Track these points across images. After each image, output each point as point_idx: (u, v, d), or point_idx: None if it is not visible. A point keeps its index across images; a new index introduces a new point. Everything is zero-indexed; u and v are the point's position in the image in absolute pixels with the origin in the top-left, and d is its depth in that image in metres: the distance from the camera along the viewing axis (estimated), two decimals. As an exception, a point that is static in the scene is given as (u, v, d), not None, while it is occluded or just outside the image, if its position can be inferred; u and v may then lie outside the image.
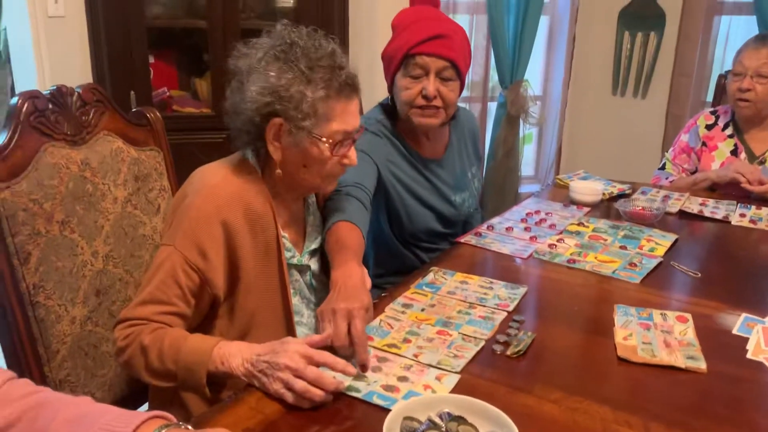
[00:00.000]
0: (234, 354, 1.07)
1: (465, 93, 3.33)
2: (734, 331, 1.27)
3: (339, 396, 1.02)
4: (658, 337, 1.22)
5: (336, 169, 1.28)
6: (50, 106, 1.31)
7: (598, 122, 3.42)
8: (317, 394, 0.98)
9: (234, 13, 2.69)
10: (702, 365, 1.13)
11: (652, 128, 3.07)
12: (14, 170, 1.22)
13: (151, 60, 2.74)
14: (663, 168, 2.44)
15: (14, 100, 1.28)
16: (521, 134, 3.34)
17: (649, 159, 3.00)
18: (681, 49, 3.14)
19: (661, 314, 1.31)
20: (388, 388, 1.04)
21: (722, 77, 2.63)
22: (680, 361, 1.14)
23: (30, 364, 1.25)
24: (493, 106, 3.36)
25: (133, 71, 2.64)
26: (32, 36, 2.45)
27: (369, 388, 1.04)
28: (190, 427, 0.83)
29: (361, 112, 1.36)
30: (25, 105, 1.26)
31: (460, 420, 0.89)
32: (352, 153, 1.28)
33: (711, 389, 1.08)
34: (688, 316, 1.31)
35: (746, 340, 1.23)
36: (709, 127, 2.35)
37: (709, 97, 2.94)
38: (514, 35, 3.17)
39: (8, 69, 2.80)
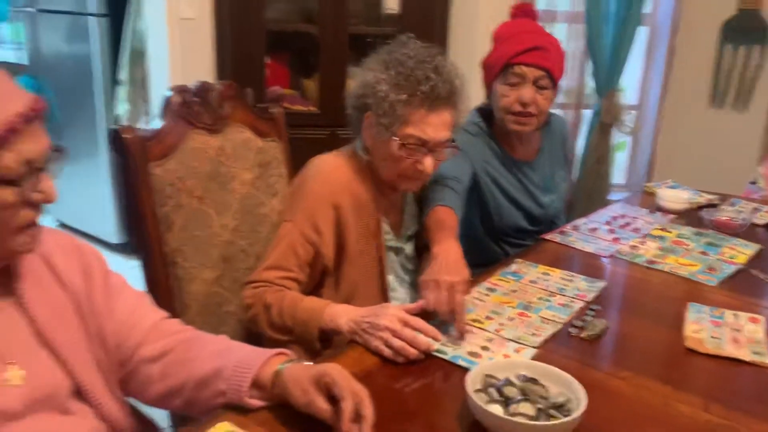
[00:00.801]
0: (341, 314, 1.25)
1: (560, 99, 3.42)
2: (805, 335, 1.33)
3: (428, 357, 1.18)
4: (728, 333, 1.31)
5: (410, 171, 1.41)
6: (195, 98, 1.54)
7: (694, 133, 3.41)
8: (411, 352, 1.15)
9: (343, 19, 2.91)
10: (766, 359, 1.21)
11: (749, 142, 3.04)
12: (165, 151, 1.46)
13: (267, 60, 3.00)
14: (754, 183, 2.45)
15: (168, 92, 1.52)
16: (614, 142, 3.39)
17: (744, 173, 2.97)
18: (785, 62, 3.10)
19: (734, 314, 1.39)
20: (472, 354, 1.19)
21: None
22: (746, 355, 1.22)
23: (168, 316, 1.49)
24: (587, 114, 3.43)
25: (251, 70, 2.92)
26: (168, 35, 2.77)
27: (455, 352, 1.19)
28: (309, 363, 1.02)
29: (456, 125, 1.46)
30: (176, 97, 1.50)
31: (534, 381, 1.03)
32: (428, 161, 1.39)
33: (773, 382, 1.17)
34: (761, 318, 1.38)
35: (816, 343, 1.29)
36: None
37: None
38: (611, 44, 3.23)
39: (142, 64, 3.13)
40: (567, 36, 3.31)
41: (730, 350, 1.24)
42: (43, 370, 0.97)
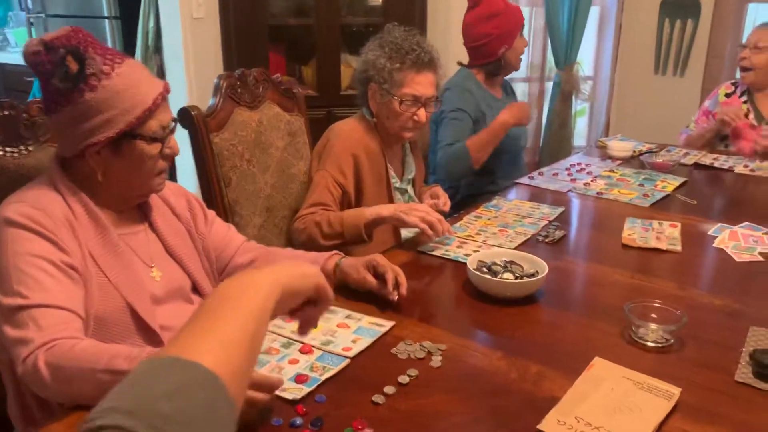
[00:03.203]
0: (379, 208, 1.71)
1: (525, 73, 3.89)
2: (709, 233, 1.81)
3: (436, 258, 1.63)
4: (653, 234, 1.78)
5: (409, 123, 1.88)
6: (237, 82, 1.96)
7: (641, 97, 3.91)
8: (446, 227, 1.64)
9: (335, 12, 3.32)
10: (678, 247, 1.69)
11: (688, 102, 3.53)
12: (220, 124, 1.88)
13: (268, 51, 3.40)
14: (687, 127, 2.94)
15: (216, 80, 1.94)
16: (574, 109, 3.87)
17: (682, 127, 3.48)
18: (714, 33, 3.60)
19: (659, 223, 1.86)
20: (467, 255, 1.65)
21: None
22: (664, 245, 1.70)
23: (230, 252, 1.92)
24: (549, 85, 3.91)
25: (255, 61, 3.29)
26: (182, 33, 3.16)
27: (456, 254, 1.65)
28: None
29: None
30: (224, 82, 1.92)
31: (512, 263, 1.49)
32: (422, 113, 1.87)
33: (682, 261, 1.64)
34: (678, 224, 1.85)
35: (715, 237, 1.77)
36: (728, 95, 2.84)
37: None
38: (567, 24, 3.70)
39: (154, 60, 3.52)
40: (529, 17, 3.77)
41: (653, 244, 1.71)
42: (173, 272, 1.39)
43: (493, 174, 2.49)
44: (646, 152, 2.65)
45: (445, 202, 1.94)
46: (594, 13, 3.83)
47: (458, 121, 2.36)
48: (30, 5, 4.01)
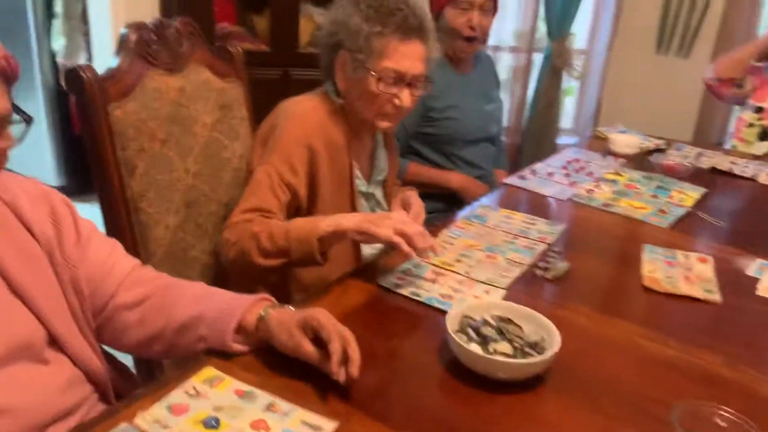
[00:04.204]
0: (339, 218, 1.25)
1: (511, 43, 3.43)
2: (748, 273, 1.43)
3: (403, 300, 1.21)
4: (680, 272, 1.39)
5: (387, 107, 1.41)
6: (153, 36, 1.47)
7: (640, 78, 3.50)
8: (427, 242, 1.21)
9: (295, -48, 2.80)
10: (717, 297, 1.30)
11: (692, 87, 3.15)
12: (124, 91, 1.39)
13: (214, -6, 2.87)
14: (740, 85, 2.46)
15: (123, 30, 1.44)
16: (563, 87, 3.45)
17: (688, 117, 3.10)
18: (728, 11, 3.19)
19: (684, 255, 1.47)
20: (444, 295, 1.23)
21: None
22: (698, 292, 1.30)
23: (132, 262, 1.46)
24: (538, 58, 3.46)
25: (197, 5, 2.78)
26: (107, -34, 2.60)
27: (429, 294, 1.22)
28: (291, 308, 1.02)
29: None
30: (134, 35, 1.43)
31: (508, 321, 1.07)
32: (405, 95, 1.40)
33: (722, 316, 1.25)
34: (709, 258, 1.47)
35: (758, 280, 1.39)
36: None
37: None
38: (564, -12, 3.25)
39: (80, 1, 2.95)
40: (520, -22, 3.31)
41: (683, 288, 1.32)
42: (16, 320, 0.94)
43: (466, 166, 2.08)
44: (654, 150, 2.26)
45: (417, 213, 1.44)
46: (594, -23, 3.39)
47: None
48: None
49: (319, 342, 0.95)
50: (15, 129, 0.88)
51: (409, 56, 1.37)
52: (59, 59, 3.06)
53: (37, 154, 3.38)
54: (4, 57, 0.82)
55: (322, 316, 0.96)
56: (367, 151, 1.57)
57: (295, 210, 1.42)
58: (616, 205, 1.75)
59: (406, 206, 1.49)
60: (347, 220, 1.25)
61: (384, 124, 1.47)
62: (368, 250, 1.55)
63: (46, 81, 3.17)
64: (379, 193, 1.59)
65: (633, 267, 1.41)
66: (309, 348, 0.94)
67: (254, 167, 1.42)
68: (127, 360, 1.22)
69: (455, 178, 2.02)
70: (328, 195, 1.43)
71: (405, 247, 1.18)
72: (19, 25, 3.15)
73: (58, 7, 2.98)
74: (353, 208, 1.48)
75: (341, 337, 0.93)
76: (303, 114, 1.42)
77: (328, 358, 0.92)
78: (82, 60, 3.04)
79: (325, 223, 1.25)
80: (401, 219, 1.23)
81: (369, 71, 1.36)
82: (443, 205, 2.02)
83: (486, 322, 1.06)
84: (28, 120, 0.88)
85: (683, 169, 2.02)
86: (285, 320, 0.97)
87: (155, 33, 1.48)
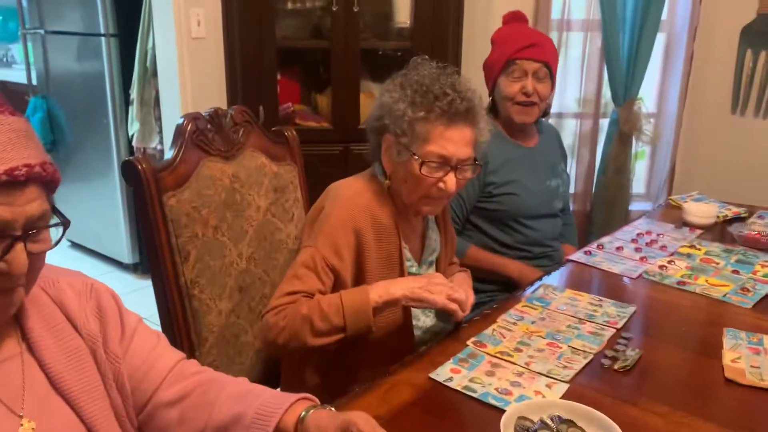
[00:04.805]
0: (388, 286, 1.31)
1: (576, 109, 3.36)
2: None
3: (456, 395, 1.13)
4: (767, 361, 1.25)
5: (432, 191, 1.37)
6: (208, 126, 1.50)
7: (715, 141, 3.33)
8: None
9: (354, 34, 2.87)
10: (813, 392, 1.15)
11: (773, 149, 2.97)
12: (179, 181, 1.42)
13: (278, 77, 2.97)
14: None
15: (180, 120, 1.48)
16: (633, 151, 3.32)
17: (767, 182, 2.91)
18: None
19: (773, 340, 1.33)
20: (502, 390, 1.14)
21: None
22: (790, 387, 1.16)
23: (184, 349, 1.44)
24: (604, 123, 3.36)
25: (263, 87, 2.88)
26: (177, 54, 2.74)
27: (484, 389, 1.14)
28: (332, 408, 0.97)
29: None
30: (189, 125, 1.46)
31: (570, 423, 0.98)
32: (450, 180, 1.36)
33: (821, 416, 1.11)
34: (802, 344, 1.32)
35: None
36: None
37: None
38: (628, 52, 3.16)
39: (153, 83, 3.11)
40: (583, 45, 3.26)
41: (772, 381, 1.18)
42: (57, 420, 0.93)
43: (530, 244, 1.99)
44: (733, 219, 2.11)
45: (464, 300, 1.34)
46: (660, 40, 3.28)
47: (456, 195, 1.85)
48: (27, 20, 3.65)
49: (361, 449, 0.88)
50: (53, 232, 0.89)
51: (454, 141, 1.34)
52: (134, 143, 3.21)
53: (113, 233, 3.53)
54: (41, 165, 0.83)
55: (362, 421, 0.89)
56: (417, 232, 1.53)
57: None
58: (693, 283, 1.62)
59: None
60: (396, 288, 1.30)
61: (426, 209, 1.44)
62: (420, 323, 1.50)
63: (122, 164, 3.33)
64: (431, 272, 1.53)
65: (712, 355, 1.28)
66: (346, 457, 0.88)
67: (300, 247, 1.40)
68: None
69: (514, 267, 1.92)
70: (375, 278, 1.38)
71: (461, 314, 1.30)
72: (99, 111, 3.35)
73: (134, 94, 3.15)
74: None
75: (382, 446, 0.87)
76: (349, 197, 1.40)
77: (368, 470, 0.86)
78: (155, 143, 3.18)
79: (376, 293, 1.29)
80: (447, 282, 1.33)
81: (413, 155, 1.34)
82: (498, 286, 1.93)
83: (545, 425, 0.97)
84: (65, 224, 0.88)
85: (767, 240, 1.87)
86: (324, 424, 0.92)
87: (210, 122, 1.51)
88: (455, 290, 1.31)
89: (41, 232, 0.85)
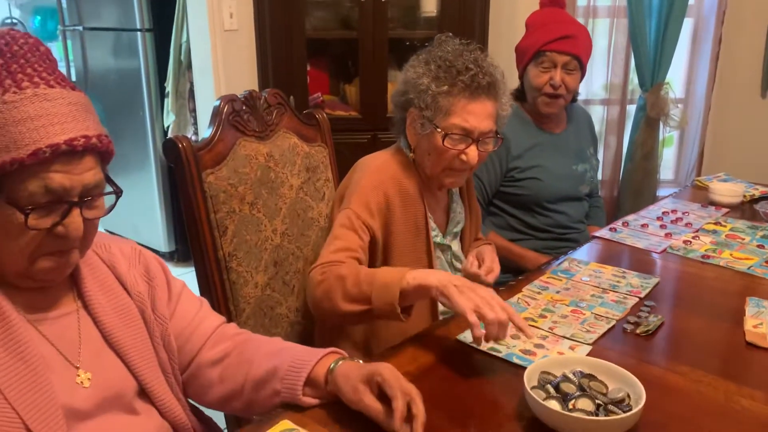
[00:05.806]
0: (428, 273, 1.20)
1: (603, 95, 3.37)
2: None
3: (481, 354, 1.18)
4: (790, 327, 1.27)
5: (455, 163, 1.42)
6: (243, 107, 1.57)
7: (744, 125, 3.32)
8: (501, 335, 1.10)
9: (382, 24, 2.92)
10: (833, 354, 1.18)
11: (803, 131, 2.95)
12: (217, 159, 1.49)
13: (308, 67, 3.04)
14: None
15: (216, 102, 1.55)
16: (661, 137, 3.32)
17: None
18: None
19: (796, 308, 1.35)
20: (526, 351, 1.19)
21: None
22: (810, 349, 1.19)
23: (223, 319, 1.52)
24: (632, 109, 3.37)
25: (293, 77, 2.95)
26: (211, 47, 2.83)
27: (509, 350, 1.19)
28: (361, 361, 1.03)
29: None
30: (226, 106, 1.53)
31: (591, 377, 1.02)
32: (472, 152, 1.40)
33: (841, 376, 1.13)
34: (824, 311, 1.34)
35: None
36: None
37: None
38: (655, 38, 3.17)
39: (187, 76, 3.21)
40: (609, 31, 3.26)
41: (793, 344, 1.21)
42: (110, 372, 1.00)
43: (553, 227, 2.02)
44: (760, 198, 2.11)
45: (489, 269, 1.43)
46: (687, 25, 3.28)
47: (477, 179, 1.94)
48: (66, 18, 3.79)
49: (386, 398, 0.94)
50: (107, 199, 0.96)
51: (476, 114, 1.38)
52: (170, 135, 3.31)
53: (150, 222, 3.64)
54: (97, 136, 0.90)
55: (386, 371, 0.95)
56: (442, 204, 1.58)
57: (372, 255, 1.43)
58: (717, 257, 1.64)
59: (479, 259, 1.48)
60: (434, 277, 1.18)
61: (449, 181, 1.48)
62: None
63: (158, 155, 3.44)
64: (456, 245, 1.59)
65: (735, 322, 1.31)
66: (370, 403, 0.94)
67: (334, 216, 1.46)
68: (218, 415, 1.26)
69: (531, 258, 1.93)
70: (402, 244, 1.44)
71: (477, 331, 1.09)
72: (136, 104, 3.47)
73: (169, 87, 3.25)
74: (429, 259, 1.48)
75: (405, 393, 0.92)
76: (378, 166, 1.48)
77: (392, 414, 0.91)
78: (190, 134, 3.28)
79: (412, 275, 1.20)
80: (488, 297, 1.12)
81: (436, 127, 1.39)
82: (515, 274, 1.95)
83: (566, 378, 1.01)
84: (118, 192, 0.96)
85: (794, 216, 1.88)
86: (351, 374, 0.98)
87: (246, 104, 1.58)
88: (488, 309, 1.10)
89: (96, 200, 0.92)
